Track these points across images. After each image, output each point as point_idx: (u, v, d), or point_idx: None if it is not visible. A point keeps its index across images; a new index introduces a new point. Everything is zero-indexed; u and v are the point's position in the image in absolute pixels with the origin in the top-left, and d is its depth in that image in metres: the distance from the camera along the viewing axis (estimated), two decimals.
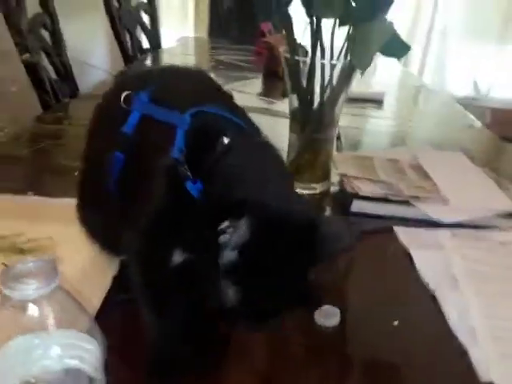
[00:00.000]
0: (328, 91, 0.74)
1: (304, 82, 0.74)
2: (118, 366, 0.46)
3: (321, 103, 0.75)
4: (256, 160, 0.45)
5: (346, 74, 0.72)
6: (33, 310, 0.27)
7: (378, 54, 0.68)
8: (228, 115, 0.46)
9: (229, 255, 0.39)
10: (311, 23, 0.69)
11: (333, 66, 0.72)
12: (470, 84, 3.21)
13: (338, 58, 0.72)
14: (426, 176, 0.84)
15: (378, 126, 1.29)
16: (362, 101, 1.41)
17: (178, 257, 0.46)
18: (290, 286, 0.41)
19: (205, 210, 0.40)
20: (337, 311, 0.53)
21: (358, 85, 1.51)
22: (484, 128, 1.27)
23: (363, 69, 0.63)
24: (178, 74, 0.54)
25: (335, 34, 0.69)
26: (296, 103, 0.77)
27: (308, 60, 0.72)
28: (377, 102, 1.43)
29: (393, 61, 2.16)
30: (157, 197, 0.43)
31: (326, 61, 0.71)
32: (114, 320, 0.51)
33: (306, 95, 0.74)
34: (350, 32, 0.67)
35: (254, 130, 0.49)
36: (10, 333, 0.27)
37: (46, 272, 0.26)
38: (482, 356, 0.49)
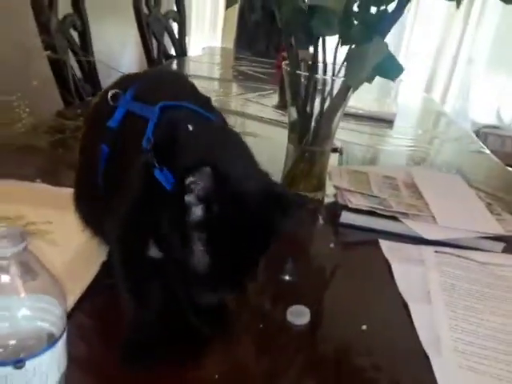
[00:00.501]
0: (326, 106, 0.77)
1: (303, 96, 0.77)
2: (97, 346, 0.50)
3: (318, 117, 0.78)
4: (221, 142, 0.48)
5: (343, 90, 0.75)
6: (3, 272, 0.30)
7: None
8: (196, 108, 0.49)
9: (196, 211, 0.41)
10: (313, 40, 0.73)
11: (331, 82, 0.75)
12: (492, 113, 3.20)
13: (337, 75, 0.75)
14: (418, 195, 0.86)
15: (388, 145, 1.31)
16: (373, 119, 1.45)
17: (156, 251, 0.49)
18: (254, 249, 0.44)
19: (174, 195, 0.43)
20: (307, 311, 0.56)
21: (373, 104, 1.56)
22: (491, 155, 1.28)
23: (356, 86, 0.66)
24: (161, 76, 0.58)
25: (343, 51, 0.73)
26: (295, 115, 0.80)
27: (307, 74, 0.75)
28: (388, 121, 1.46)
29: (415, 86, 2.20)
30: (130, 186, 0.47)
31: (324, 76, 0.75)
32: (99, 302, 0.55)
33: (304, 108, 0.77)
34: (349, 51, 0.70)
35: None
36: None
37: (14, 237, 0.30)
38: (442, 365, 0.51)
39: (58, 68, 1.24)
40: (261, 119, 1.35)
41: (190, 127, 0.46)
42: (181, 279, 0.48)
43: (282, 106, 1.52)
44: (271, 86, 1.73)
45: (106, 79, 1.52)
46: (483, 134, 3.05)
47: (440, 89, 3.11)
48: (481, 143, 1.39)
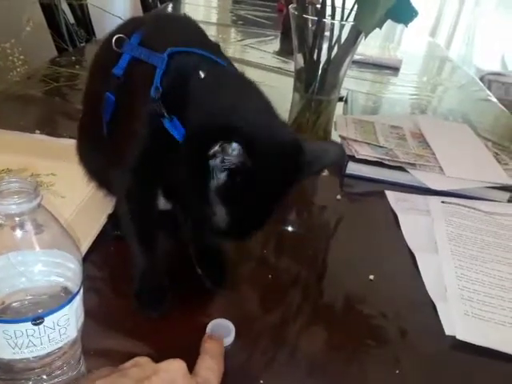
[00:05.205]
0: (334, 53, 0.74)
1: (310, 42, 0.74)
2: (108, 294, 0.51)
3: (326, 64, 0.75)
4: (237, 92, 0.46)
5: (352, 36, 0.72)
6: (17, 227, 0.29)
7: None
8: (206, 54, 0.46)
9: (220, 177, 0.41)
10: None
11: (340, 27, 0.72)
12: (498, 59, 3.12)
13: (346, 20, 0.72)
14: (425, 145, 0.85)
15: (393, 93, 1.28)
16: (379, 66, 1.41)
17: (163, 203, 0.49)
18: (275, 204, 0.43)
19: (184, 146, 0.42)
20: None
21: (377, 51, 1.51)
22: (497, 103, 1.26)
23: (367, 32, 0.63)
24: (169, 20, 0.55)
25: None
26: (301, 63, 0.77)
27: (316, 19, 0.72)
28: (393, 68, 1.42)
29: (420, 30, 2.13)
30: (137, 136, 0.45)
31: (333, 20, 0.71)
32: (106, 253, 0.55)
33: (311, 55, 0.75)
34: None
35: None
36: None
37: (28, 192, 0.29)
38: (448, 312, 0.52)
39: (50, 13, 1.18)
40: (262, 66, 1.31)
41: (202, 74, 0.44)
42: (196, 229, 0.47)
43: (283, 52, 1.48)
44: (271, 31, 1.67)
45: (98, 24, 1.47)
46: (487, 80, 2.99)
47: (445, 34, 3.02)
48: (487, 91, 1.36)
